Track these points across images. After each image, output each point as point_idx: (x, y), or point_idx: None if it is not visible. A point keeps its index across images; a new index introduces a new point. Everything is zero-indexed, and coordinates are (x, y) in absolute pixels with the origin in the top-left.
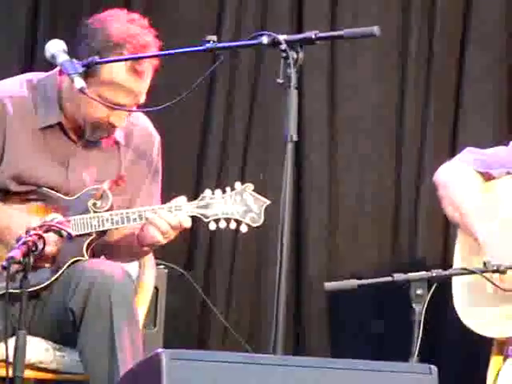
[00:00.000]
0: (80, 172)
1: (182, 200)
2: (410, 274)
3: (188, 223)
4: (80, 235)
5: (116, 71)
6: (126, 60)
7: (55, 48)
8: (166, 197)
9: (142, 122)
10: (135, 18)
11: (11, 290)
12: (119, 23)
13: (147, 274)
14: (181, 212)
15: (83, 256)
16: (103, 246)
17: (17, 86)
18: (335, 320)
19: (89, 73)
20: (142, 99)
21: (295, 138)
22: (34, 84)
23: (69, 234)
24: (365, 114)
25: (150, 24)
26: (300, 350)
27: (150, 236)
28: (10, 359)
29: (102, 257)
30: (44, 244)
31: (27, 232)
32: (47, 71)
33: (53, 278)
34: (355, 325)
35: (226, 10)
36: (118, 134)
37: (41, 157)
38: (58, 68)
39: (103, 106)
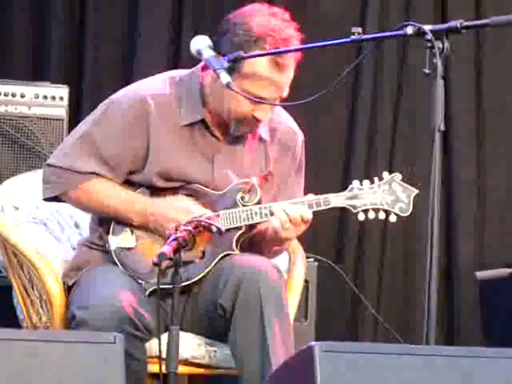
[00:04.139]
0: (225, 168)
1: (309, 197)
2: None
3: (308, 215)
4: (229, 229)
5: (258, 65)
6: (270, 54)
7: (201, 44)
8: (314, 190)
9: (285, 118)
10: (276, 12)
11: (163, 286)
12: (260, 17)
13: (297, 267)
14: (302, 205)
15: (233, 250)
16: (249, 245)
17: (159, 83)
18: (487, 309)
19: (231, 67)
20: (285, 93)
21: (443, 127)
22: (176, 81)
23: (218, 228)
24: None
25: (291, 18)
26: (453, 340)
27: (271, 227)
28: (164, 355)
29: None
30: (194, 239)
31: (177, 228)
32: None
33: (203, 273)
34: (508, 313)
35: (370, 3)
36: (263, 131)
37: (186, 154)
38: (200, 64)
39: (247, 100)
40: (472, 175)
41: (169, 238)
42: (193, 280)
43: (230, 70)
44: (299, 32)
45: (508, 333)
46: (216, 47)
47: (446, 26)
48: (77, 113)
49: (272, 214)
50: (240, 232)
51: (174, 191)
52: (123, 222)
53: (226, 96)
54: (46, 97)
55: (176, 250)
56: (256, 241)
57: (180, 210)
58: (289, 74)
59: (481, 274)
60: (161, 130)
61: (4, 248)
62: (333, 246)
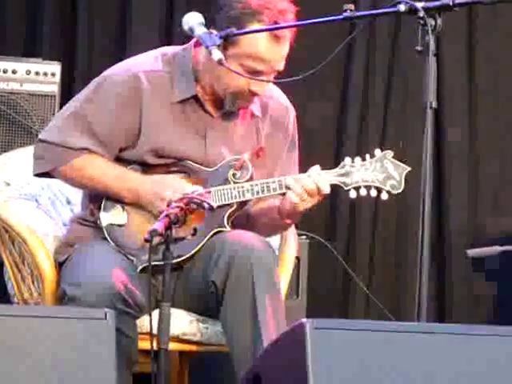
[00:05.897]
0: (218, 144)
1: (316, 169)
2: None
3: (326, 187)
4: (221, 206)
5: (257, 39)
6: (261, 31)
7: (193, 21)
8: (306, 166)
9: (277, 94)
10: None
11: (154, 263)
12: None
13: (288, 245)
14: (319, 177)
15: (225, 227)
16: (246, 222)
17: (152, 60)
18: (478, 286)
19: (228, 43)
20: (282, 65)
21: (435, 104)
22: (168, 57)
23: (210, 205)
24: (505, 80)
25: None
26: (444, 317)
27: (288, 202)
28: (155, 332)
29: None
30: (186, 216)
31: (169, 205)
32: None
33: (195, 250)
34: (500, 290)
35: None
36: (255, 106)
37: (179, 130)
38: (193, 40)
39: (243, 76)
40: (464, 153)
41: (160, 214)
42: (184, 257)
43: (227, 46)
44: (294, 4)
45: (499, 309)
46: (212, 22)
47: (438, 3)
48: (69, 89)
49: (282, 187)
50: (231, 209)
51: (165, 168)
52: (114, 199)
53: (221, 72)
54: (37, 73)
55: (167, 227)
56: (265, 216)
57: (171, 188)
58: (286, 47)
59: (472, 252)
60: (153, 107)
61: None
62: (324, 223)
